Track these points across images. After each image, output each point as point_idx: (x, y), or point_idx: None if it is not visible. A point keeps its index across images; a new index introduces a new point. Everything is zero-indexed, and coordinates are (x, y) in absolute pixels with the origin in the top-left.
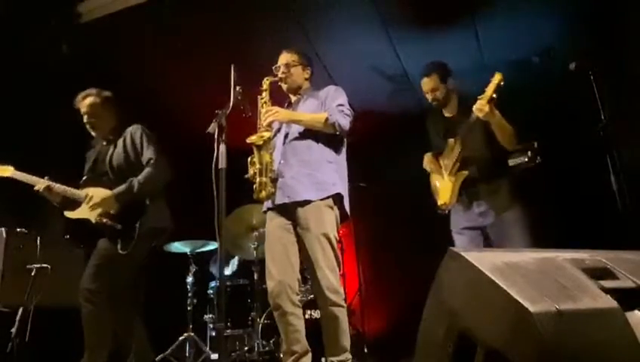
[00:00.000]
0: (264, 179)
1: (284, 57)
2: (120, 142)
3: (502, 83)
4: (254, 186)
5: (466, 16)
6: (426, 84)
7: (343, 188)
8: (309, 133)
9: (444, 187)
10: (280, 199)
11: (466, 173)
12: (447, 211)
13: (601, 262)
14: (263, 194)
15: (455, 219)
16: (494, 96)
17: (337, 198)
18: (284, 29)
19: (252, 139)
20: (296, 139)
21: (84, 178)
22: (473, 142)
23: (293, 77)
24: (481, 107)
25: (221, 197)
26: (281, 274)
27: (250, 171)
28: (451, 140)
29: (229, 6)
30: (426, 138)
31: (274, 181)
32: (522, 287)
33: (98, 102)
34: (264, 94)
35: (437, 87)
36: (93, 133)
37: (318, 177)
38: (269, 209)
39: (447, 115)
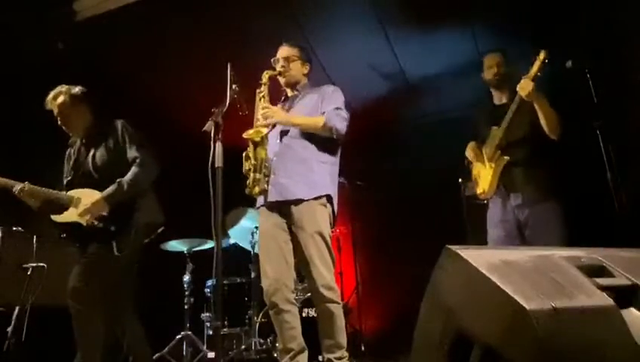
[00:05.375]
0: (258, 175)
1: (284, 51)
2: (102, 140)
3: (547, 60)
4: (248, 182)
5: (462, 14)
6: (492, 58)
7: (333, 190)
8: (305, 133)
9: (484, 175)
10: (273, 197)
11: (507, 158)
12: (485, 201)
13: (596, 260)
14: (257, 190)
15: (492, 212)
16: (539, 74)
17: (329, 199)
18: (282, 28)
19: (250, 134)
20: (291, 137)
21: (67, 179)
22: (518, 126)
23: (292, 72)
24: (525, 85)
25: (217, 196)
26: (276, 272)
27: (245, 166)
28: (494, 127)
29: (226, 4)
30: (472, 130)
31: (268, 177)
32: (518, 285)
33: (68, 101)
34: (263, 88)
35: (501, 64)
36: (69, 133)
37: (310, 177)
38: (262, 206)
39: (496, 102)
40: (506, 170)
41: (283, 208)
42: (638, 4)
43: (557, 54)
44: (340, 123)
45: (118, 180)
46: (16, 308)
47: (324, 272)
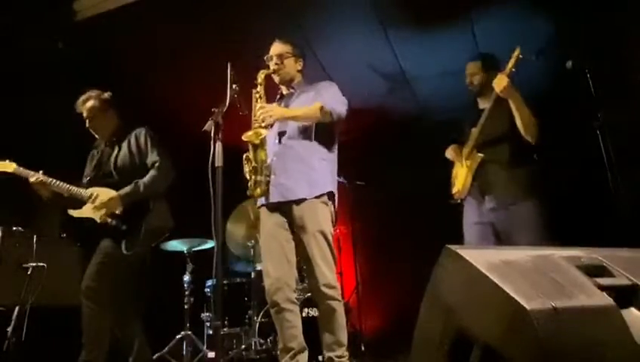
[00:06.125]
0: (259, 177)
1: (277, 48)
2: (124, 143)
3: (520, 56)
4: (249, 184)
5: (463, 14)
6: (469, 67)
7: (334, 187)
8: (303, 131)
9: (460, 174)
10: (275, 197)
11: (480, 155)
12: (459, 200)
13: (596, 260)
14: (258, 191)
15: (467, 213)
16: (514, 70)
17: (330, 196)
18: (282, 28)
19: (249, 136)
20: (290, 137)
21: (88, 178)
22: (495, 125)
23: (287, 69)
24: (499, 81)
25: (218, 196)
26: (278, 271)
27: (246, 168)
28: (474, 129)
29: (226, 4)
30: (460, 132)
31: (268, 178)
32: (518, 285)
33: (97, 105)
34: (259, 88)
35: (476, 73)
36: (96, 135)
37: (312, 175)
38: (263, 205)
39: (481, 106)
40: (481, 168)
41: (284, 207)
42: (637, 4)
43: (557, 54)
44: (340, 106)
45: (135, 181)
46: (16, 308)
47: (326, 271)
